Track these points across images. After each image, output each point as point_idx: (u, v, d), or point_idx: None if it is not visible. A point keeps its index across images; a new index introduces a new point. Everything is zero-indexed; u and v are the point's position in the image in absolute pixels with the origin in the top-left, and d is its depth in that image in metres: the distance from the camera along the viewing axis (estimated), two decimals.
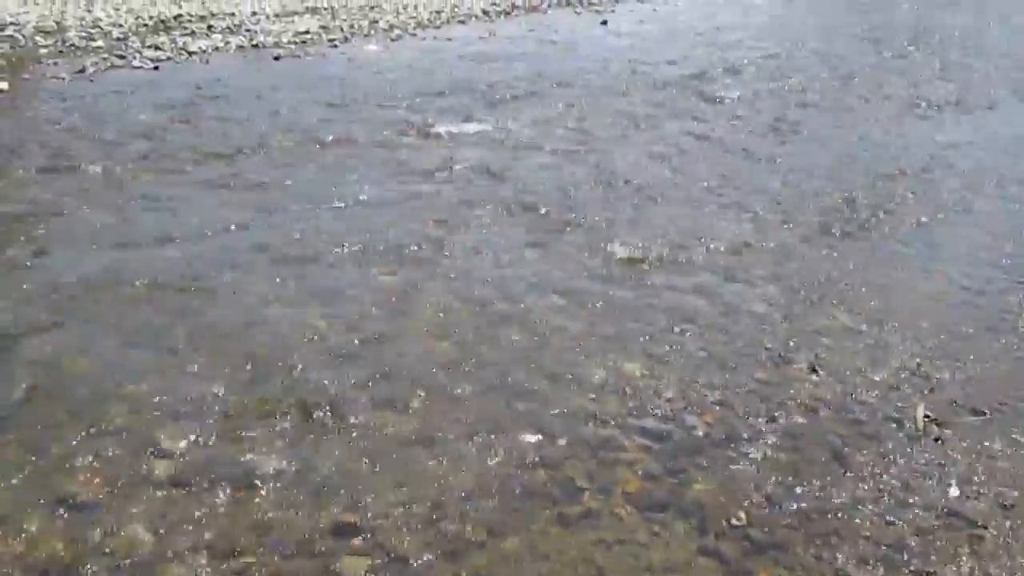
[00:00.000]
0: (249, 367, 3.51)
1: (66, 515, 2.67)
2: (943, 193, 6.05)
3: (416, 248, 4.76)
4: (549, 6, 17.17)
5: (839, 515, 2.79)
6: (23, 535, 2.58)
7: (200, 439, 3.05)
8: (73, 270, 4.35)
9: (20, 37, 10.79)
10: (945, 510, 2.83)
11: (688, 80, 9.83)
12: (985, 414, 3.38)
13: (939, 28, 15.33)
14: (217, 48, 10.97)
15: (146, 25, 12.18)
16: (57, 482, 2.81)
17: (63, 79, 8.76)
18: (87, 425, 3.09)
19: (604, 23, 15.02)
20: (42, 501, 2.72)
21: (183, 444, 3.02)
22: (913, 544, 2.67)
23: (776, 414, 3.34)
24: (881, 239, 5.17)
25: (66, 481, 2.82)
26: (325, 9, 14.92)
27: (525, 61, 10.77)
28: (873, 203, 5.77)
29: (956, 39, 14.06)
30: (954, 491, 2.92)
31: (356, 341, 3.75)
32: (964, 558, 2.62)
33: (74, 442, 3.00)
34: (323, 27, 12.98)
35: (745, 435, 3.20)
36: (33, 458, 2.92)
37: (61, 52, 10.07)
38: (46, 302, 4.02)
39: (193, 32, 11.91)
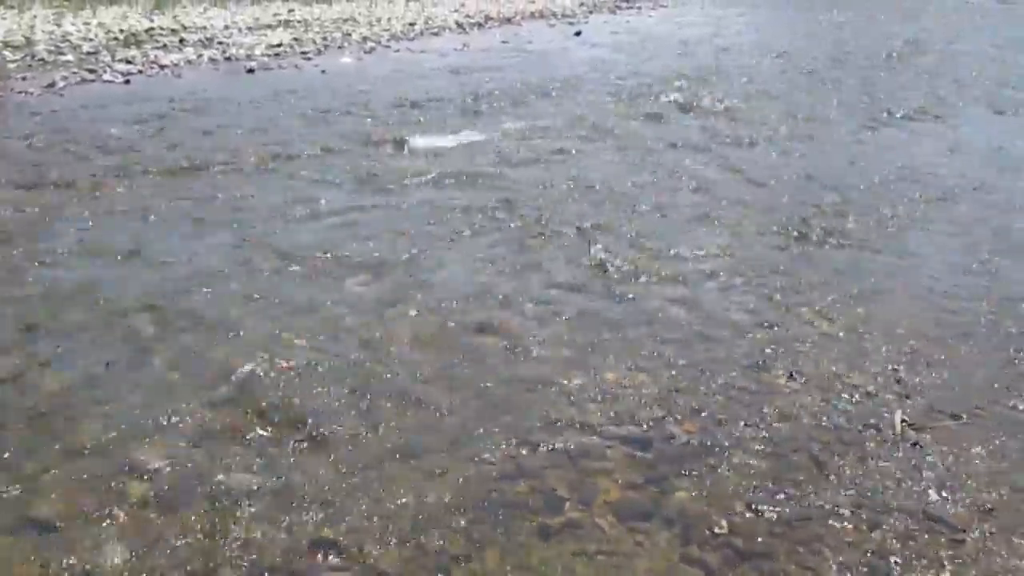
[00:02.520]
0: (225, 383, 3.46)
1: (38, 536, 2.61)
2: (917, 201, 6.11)
3: (392, 260, 4.74)
4: (523, 18, 17.24)
5: (820, 521, 2.79)
6: None
7: (176, 457, 3.00)
8: (44, 286, 4.28)
9: None
10: (925, 515, 2.84)
11: (662, 90, 9.89)
12: (962, 418, 3.40)
13: (908, 40, 15.56)
14: (190, 61, 10.91)
15: (117, 39, 12.08)
16: (29, 502, 2.75)
17: (32, 94, 8.66)
18: (60, 444, 3.03)
19: (578, 34, 15.10)
20: (13, 522, 2.66)
21: (159, 462, 2.96)
22: (894, 549, 2.67)
23: (756, 422, 3.34)
24: (856, 247, 5.21)
25: (38, 501, 2.75)
26: (298, 22, 14.88)
27: (499, 72, 10.79)
28: (848, 212, 5.82)
29: (925, 51, 14.27)
30: (933, 495, 2.93)
31: (333, 354, 3.72)
32: (945, 562, 2.63)
33: (46, 461, 2.94)
34: (296, 39, 12.94)
35: (726, 443, 3.20)
36: (4, 478, 2.85)
37: (30, 67, 9.96)
38: (17, 318, 3.95)
39: (165, 45, 11.83)
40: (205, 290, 4.30)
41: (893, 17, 19.53)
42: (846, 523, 2.79)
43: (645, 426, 3.29)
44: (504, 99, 9.19)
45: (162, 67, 10.37)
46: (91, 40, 11.75)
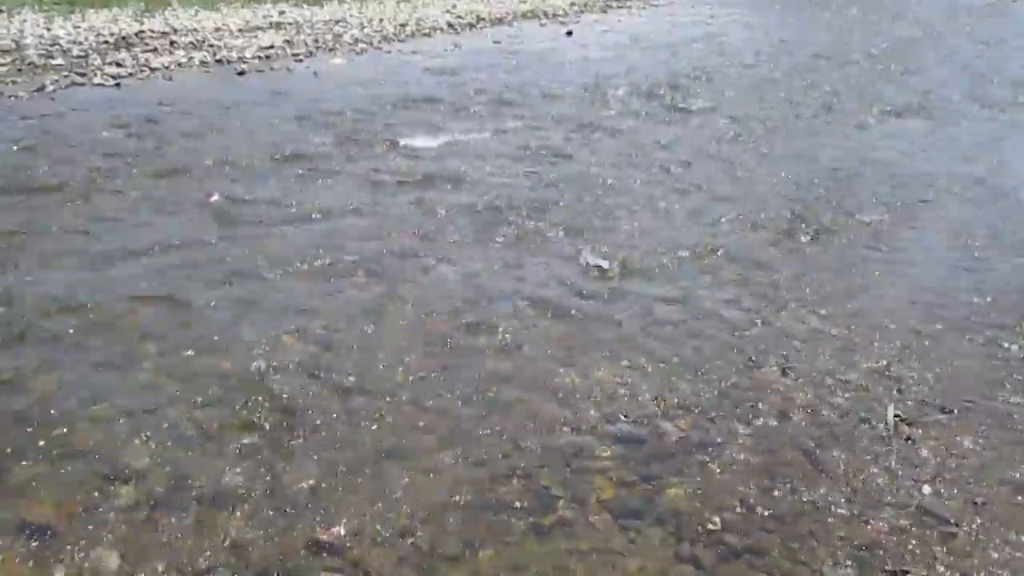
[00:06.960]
0: (218, 384, 3.45)
1: (30, 540, 2.60)
2: (907, 198, 6.13)
3: (385, 260, 4.73)
4: (514, 18, 17.22)
5: (813, 517, 2.80)
6: None
7: (169, 458, 2.99)
8: (35, 289, 4.26)
9: None
10: (918, 509, 2.85)
11: (652, 89, 9.90)
12: (953, 412, 3.42)
13: (896, 39, 15.61)
14: (180, 64, 10.87)
15: (107, 42, 12.03)
16: (20, 505, 2.74)
17: (22, 97, 8.62)
18: (51, 446, 3.02)
19: (569, 34, 15.11)
20: (6, 526, 2.65)
21: (151, 463, 2.96)
22: (887, 544, 2.68)
23: (749, 418, 3.34)
24: (847, 243, 5.22)
25: (29, 504, 2.74)
26: (290, 24, 14.84)
27: (491, 73, 10.79)
28: (839, 208, 5.83)
29: (913, 49, 14.32)
30: (926, 490, 2.94)
31: (327, 355, 3.71)
32: (938, 556, 2.63)
33: (38, 464, 2.93)
34: (288, 41, 12.91)
35: (719, 439, 3.20)
36: None
37: (20, 70, 9.91)
38: (7, 322, 3.93)
39: (155, 49, 11.78)
40: (197, 291, 4.29)
41: (881, 16, 19.59)
42: (839, 518, 2.79)
43: (638, 424, 3.29)
44: (496, 100, 9.19)
45: (152, 70, 10.34)
46: (81, 44, 11.70)
